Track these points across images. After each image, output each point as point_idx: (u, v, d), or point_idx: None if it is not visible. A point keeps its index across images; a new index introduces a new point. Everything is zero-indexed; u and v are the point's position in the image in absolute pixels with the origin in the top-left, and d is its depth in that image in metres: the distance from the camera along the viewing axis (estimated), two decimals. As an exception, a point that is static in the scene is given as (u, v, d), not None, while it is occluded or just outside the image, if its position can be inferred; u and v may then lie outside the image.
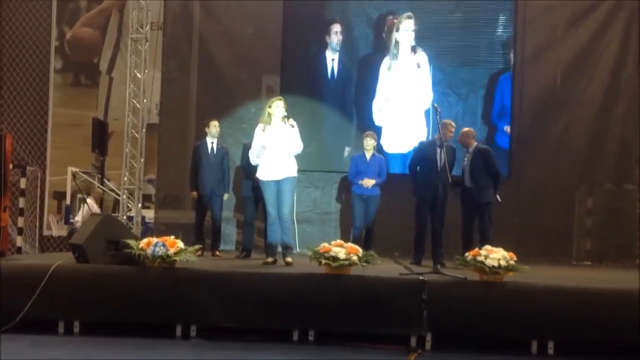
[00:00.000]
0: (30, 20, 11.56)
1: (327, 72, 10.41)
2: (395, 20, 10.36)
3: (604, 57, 9.87)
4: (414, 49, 9.33)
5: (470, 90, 10.24)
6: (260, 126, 6.95)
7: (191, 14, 10.29)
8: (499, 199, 8.03)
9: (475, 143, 8.16)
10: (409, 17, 10.27)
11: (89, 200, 10.25)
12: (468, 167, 8.03)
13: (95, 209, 10.19)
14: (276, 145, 6.82)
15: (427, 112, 9.97)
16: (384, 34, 10.40)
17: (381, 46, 10.41)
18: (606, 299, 5.51)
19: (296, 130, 6.84)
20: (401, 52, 10.29)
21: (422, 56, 10.16)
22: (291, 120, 6.83)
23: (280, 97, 7.05)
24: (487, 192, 8.00)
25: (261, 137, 6.88)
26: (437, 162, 7.56)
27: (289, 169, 6.87)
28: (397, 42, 10.33)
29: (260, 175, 6.94)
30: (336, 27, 10.43)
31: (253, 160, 7.06)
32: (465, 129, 8.20)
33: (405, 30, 10.31)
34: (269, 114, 6.86)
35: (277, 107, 6.85)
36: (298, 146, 6.88)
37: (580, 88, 9.91)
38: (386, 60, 10.34)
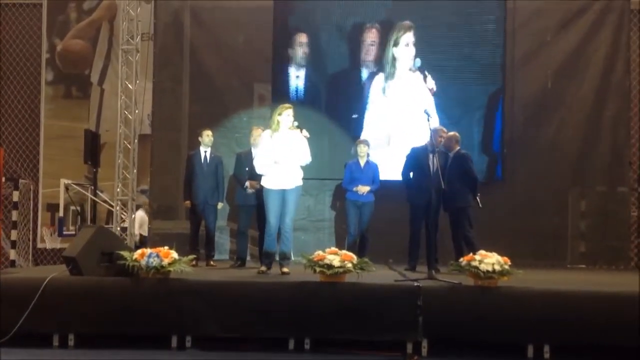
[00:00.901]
0: (21, 32, 11.55)
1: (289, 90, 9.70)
2: (375, 29, 9.50)
3: (594, 61, 9.93)
4: (422, 71, 8.43)
5: (465, 113, 9.55)
6: (267, 132, 6.81)
7: (181, 24, 10.30)
8: (480, 204, 8.00)
9: (458, 148, 8.15)
10: (410, 28, 9.51)
11: (140, 213, 10.30)
12: (446, 172, 8.01)
13: (145, 220, 10.27)
14: (284, 153, 6.71)
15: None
16: (363, 46, 9.69)
17: (357, 61, 9.67)
18: (601, 302, 5.52)
19: (306, 140, 6.75)
20: (399, 71, 9.52)
21: (429, 77, 9.18)
22: (305, 132, 6.75)
23: (290, 106, 6.87)
24: (462, 196, 7.94)
25: (269, 145, 6.73)
26: (430, 168, 7.58)
27: (296, 179, 6.78)
28: (394, 59, 9.52)
29: (266, 183, 6.79)
30: (302, 38, 9.73)
31: (260, 169, 6.86)
32: (451, 133, 8.18)
33: (405, 45, 9.50)
34: (278, 122, 6.73)
35: (288, 115, 6.72)
36: (307, 157, 6.78)
37: (571, 91, 9.96)
38: (378, 80, 9.52)
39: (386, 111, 9.59)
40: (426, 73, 9.08)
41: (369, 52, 9.83)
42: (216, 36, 10.20)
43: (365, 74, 9.94)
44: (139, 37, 10.38)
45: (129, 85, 10.30)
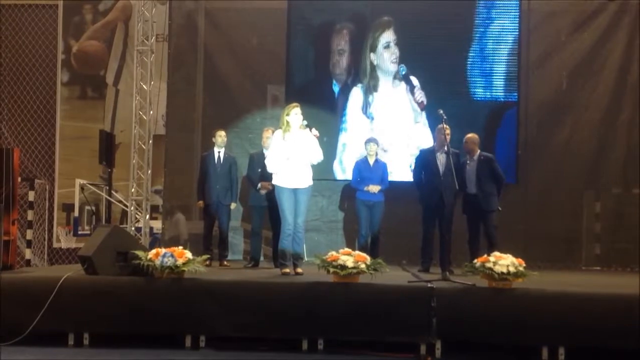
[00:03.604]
0: (37, 34, 11.62)
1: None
2: (346, 31, 8.55)
3: (609, 62, 9.87)
4: (407, 81, 7.15)
5: (461, 133, 8.38)
6: (279, 132, 6.80)
7: (196, 25, 10.33)
8: (499, 207, 8.00)
9: (479, 151, 8.12)
10: (389, 25, 8.65)
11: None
12: (474, 175, 7.95)
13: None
14: (295, 153, 6.71)
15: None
16: (337, 52, 9.00)
17: (326, 71, 9.06)
18: (616, 304, 5.49)
19: (316, 139, 6.73)
20: (383, 81, 8.67)
21: (418, 89, 8.12)
22: (314, 130, 6.72)
23: (297, 105, 6.85)
24: (492, 199, 7.95)
25: (281, 145, 6.73)
26: (439, 168, 7.61)
27: (307, 178, 6.77)
28: (373, 67, 8.65)
29: (278, 181, 6.77)
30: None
31: (271, 168, 6.84)
32: (471, 134, 8.14)
33: (385, 47, 8.61)
34: (287, 122, 6.73)
35: (296, 114, 6.73)
36: (319, 155, 6.77)
37: (585, 93, 9.91)
38: (356, 95, 8.67)
39: (369, 133, 8.74)
40: (414, 83, 8.16)
41: (340, 59, 9.07)
42: (230, 37, 10.22)
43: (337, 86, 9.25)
44: (153, 38, 10.43)
45: (144, 86, 10.35)
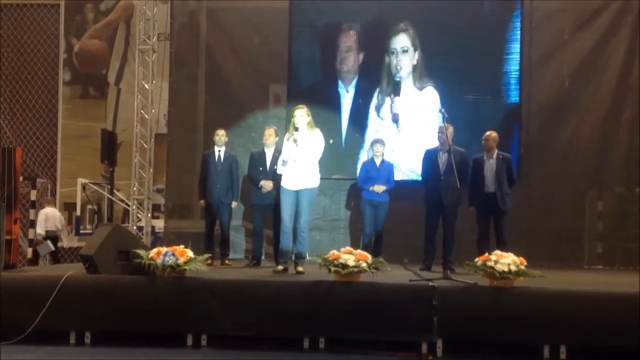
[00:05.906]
0: (39, 33, 11.66)
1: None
2: (350, 31, 8.95)
3: (612, 60, 9.85)
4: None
5: (474, 135, 8.40)
6: (287, 135, 6.85)
7: (198, 24, 10.33)
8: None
9: (497, 150, 8.08)
10: (403, 30, 9.00)
11: (50, 208, 10.28)
12: (493, 174, 7.90)
13: (54, 215, 10.29)
14: (295, 154, 6.70)
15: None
16: (344, 51, 9.24)
17: (332, 73, 9.32)
18: (618, 302, 5.49)
19: (313, 138, 6.70)
20: (405, 85, 8.92)
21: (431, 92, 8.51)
22: (297, 134, 6.68)
23: (301, 106, 6.84)
24: (508, 199, 7.95)
25: (285, 147, 6.79)
26: (439, 168, 7.68)
27: (309, 180, 6.76)
28: (390, 70, 8.93)
29: (282, 182, 6.82)
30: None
31: (278, 170, 6.96)
32: (492, 132, 8.04)
33: (404, 51, 8.91)
34: (293, 123, 6.75)
35: (300, 116, 6.72)
36: (315, 155, 6.73)
37: (588, 91, 9.88)
38: (372, 97, 8.99)
39: (389, 135, 9.01)
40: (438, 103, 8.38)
41: (347, 57, 9.37)
42: (232, 36, 10.22)
43: (345, 87, 9.50)
44: (155, 37, 10.45)
45: (146, 85, 10.36)
